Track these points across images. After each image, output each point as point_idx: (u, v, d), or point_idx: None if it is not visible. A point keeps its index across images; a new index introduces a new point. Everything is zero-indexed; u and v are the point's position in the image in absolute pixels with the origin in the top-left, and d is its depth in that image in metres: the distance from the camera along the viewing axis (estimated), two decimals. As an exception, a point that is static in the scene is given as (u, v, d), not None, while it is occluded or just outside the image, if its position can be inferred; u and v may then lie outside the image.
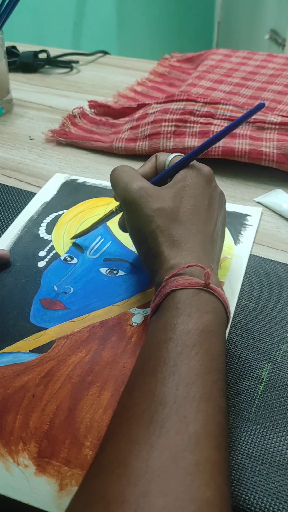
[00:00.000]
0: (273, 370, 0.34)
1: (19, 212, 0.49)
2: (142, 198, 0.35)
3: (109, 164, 0.58)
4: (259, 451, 0.29)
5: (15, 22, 0.82)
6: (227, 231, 0.46)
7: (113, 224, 0.47)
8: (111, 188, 0.51)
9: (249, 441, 0.30)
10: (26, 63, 0.83)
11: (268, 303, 0.39)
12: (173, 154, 0.39)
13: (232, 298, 0.39)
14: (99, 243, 0.45)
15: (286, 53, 1.84)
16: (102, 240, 0.45)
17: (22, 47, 0.88)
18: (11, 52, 0.84)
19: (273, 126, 0.56)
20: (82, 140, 0.61)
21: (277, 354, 0.35)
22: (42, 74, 0.84)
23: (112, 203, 0.49)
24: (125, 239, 0.45)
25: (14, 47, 0.85)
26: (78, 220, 0.48)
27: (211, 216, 0.36)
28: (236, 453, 0.29)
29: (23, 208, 0.50)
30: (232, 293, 0.40)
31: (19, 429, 0.30)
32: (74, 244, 0.45)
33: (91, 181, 0.54)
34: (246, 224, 0.47)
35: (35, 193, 0.52)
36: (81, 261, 0.43)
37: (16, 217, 0.49)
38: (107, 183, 0.52)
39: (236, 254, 0.43)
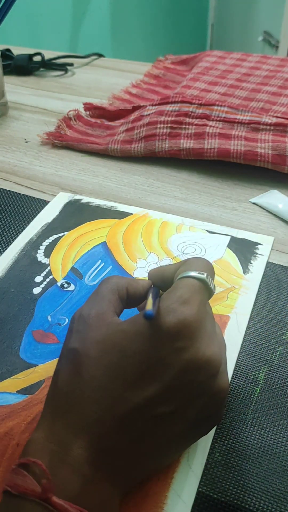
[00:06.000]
0: (270, 372, 0.34)
1: (15, 215, 0.49)
2: (79, 323, 0.27)
3: (105, 166, 0.58)
4: (257, 453, 0.29)
5: (10, 25, 0.82)
6: (236, 259, 0.43)
7: (114, 246, 0.45)
8: (115, 209, 0.50)
9: (246, 443, 0.30)
10: (20, 66, 0.83)
11: (264, 305, 0.39)
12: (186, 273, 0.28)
13: (237, 336, 0.36)
14: (99, 268, 0.42)
15: (280, 54, 1.84)
16: (102, 264, 0.43)
17: (16, 50, 0.88)
18: (5, 55, 0.84)
19: (268, 127, 0.56)
20: (77, 143, 0.61)
21: (273, 356, 0.35)
22: (37, 77, 0.84)
23: (115, 225, 0.47)
24: (126, 263, 0.43)
25: (8, 50, 0.85)
26: (78, 243, 0.45)
27: (138, 387, 0.24)
28: (234, 455, 0.29)
29: (19, 211, 0.50)
30: (238, 329, 0.37)
31: (1, 483, 0.27)
32: (72, 269, 0.43)
33: (95, 201, 0.51)
34: (257, 254, 0.44)
35: (31, 196, 0.52)
36: (78, 288, 0.41)
37: (11, 221, 0.48)
38: (111, 204, 0.50)
39: (245, 285, 0.40)
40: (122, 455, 0.24)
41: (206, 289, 0.27)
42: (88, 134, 0.64)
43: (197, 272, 0.27)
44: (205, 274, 0.27)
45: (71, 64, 0.88)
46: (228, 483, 0.28)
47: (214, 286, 0.28)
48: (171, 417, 0.25)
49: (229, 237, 0.46)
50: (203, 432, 0.27)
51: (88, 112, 0.68)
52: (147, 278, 0.40)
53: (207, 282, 0.27)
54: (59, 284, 0.41)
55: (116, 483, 0.24)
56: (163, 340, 0.24)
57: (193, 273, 0.27)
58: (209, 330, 0.26)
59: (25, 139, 0.64)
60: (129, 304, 0.30)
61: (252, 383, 0.33)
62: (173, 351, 0.24)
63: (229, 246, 0.45)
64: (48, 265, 0.43)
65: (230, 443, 0.30)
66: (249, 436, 0.30)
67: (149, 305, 0.24)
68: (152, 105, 0.62)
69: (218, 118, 0.58)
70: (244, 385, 0.33)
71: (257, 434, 0.30)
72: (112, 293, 0.28)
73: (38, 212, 0.50)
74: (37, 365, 0.35)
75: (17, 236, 0.47)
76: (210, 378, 0.25)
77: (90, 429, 0.24)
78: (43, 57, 0.85)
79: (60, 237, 0.46)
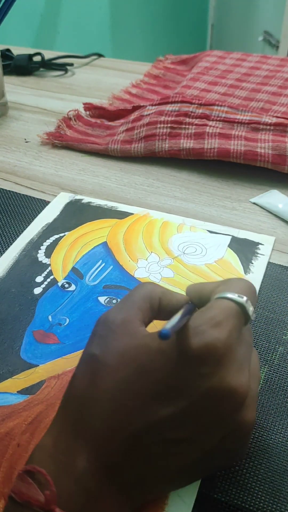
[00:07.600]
0: (270, 372, 0.34)
1: (15, 215, 0.49)
2: (102, 327, 0.26)
3: (105, 166, 0.58)
4: (257, 452, 0.29)
5: (10, 25, 0.82)
6: (237, 259, 0.43)
7: (115, 246, 0.45)
8: (116, 209, 0.50)
9: (247, 443, 0.30)
10: (20, 66, 0.83)
11: (265, 305, 0.39)
12: (225, 294, 0.25)
13: None
14: (100, 268, 0.42)
15: (280, 54, 1.84)
16: (103, 264, 0.43)
17: (16, 50, 0.88)
18: (5, 55, 0.84)
19: (268, 127, 0.56)
20: (77, 143, 0.61)
21: (273, 356, 0.35)
22: (37, 77, 0.84)
23: (116, 225, 0.47)
24: (127, 263, 0.43)
25: (8, 50, 0.85)
26: (79, 243, 0.45)
27: (152, 406, 0.23)
28: (234, 455, 0.29)
29: (19, 211, 0.50)
30: None
31: (1, 484, 0.27)
32: (73, 269, 0.43)
33: (96, 201, 0.51)
34: (258, 253, 0.43)
35: (31, 196, 0.52)
36: (79, 288, 0.41)
37: (12, 221, 0.48)
38: (112, 204, 0.50)
39: None
40: (129, 475, 0.23)
41: (243, 314, 0.25)
42: (88, 134, 0.64)
43: (237, 294, 0.25)
44: (245, 298, 0.25)
45: (71, 64, 0.88)
46: (228, 483, 0.28)
47: (253, 312, 0.25)
48: (184, 445, 0.23)
49: (230, 237, 0.46)
50: (220, 467, 0.26)
51: (88, 112, 0.68)
52: (148, 278, 0.41)
53: (245, 307, 0.25)
54: (59, 284, 0.41)
55: (122, 501, 0.23)
56: (186, 362, 0.23)
57: (231, 295, 0.25)
58: (240, 358, 0.24)
59: (25, 139, 0.64)
60: (160, 315, 0.28)
61: (252, 383, 0.33)
62: (195, 375, 0.23)
63: (230, 246, 0.45)
64: (49, 265, 0.43)
65: (230, 443, 0.30)
66: (249, 436, 0.30)
67: (170, 322, 0.23)
68: (152, 105, 0.62)
69: (218, 118, 0.58)
70: (244, 385, 0.33)
71: (257, 434, 0.30)
72: (144, 300, 0.27)
73: (39, 212, 0.50)
74: (38, 366, 0.35)
75: (18, 236, 0.47)
76: (232, 411, 0.23)
77: (97, 442, 0.23)
78: (43, 57, 0.85)
79: (61, 237, 0.46)
